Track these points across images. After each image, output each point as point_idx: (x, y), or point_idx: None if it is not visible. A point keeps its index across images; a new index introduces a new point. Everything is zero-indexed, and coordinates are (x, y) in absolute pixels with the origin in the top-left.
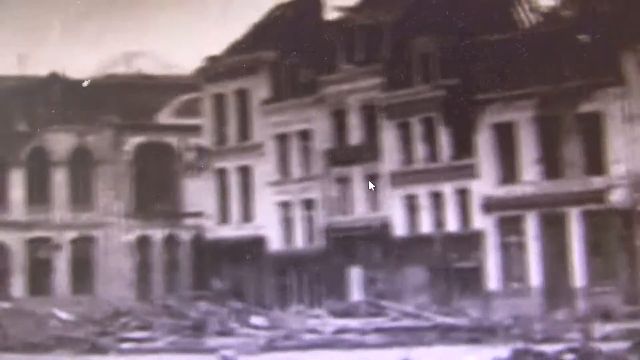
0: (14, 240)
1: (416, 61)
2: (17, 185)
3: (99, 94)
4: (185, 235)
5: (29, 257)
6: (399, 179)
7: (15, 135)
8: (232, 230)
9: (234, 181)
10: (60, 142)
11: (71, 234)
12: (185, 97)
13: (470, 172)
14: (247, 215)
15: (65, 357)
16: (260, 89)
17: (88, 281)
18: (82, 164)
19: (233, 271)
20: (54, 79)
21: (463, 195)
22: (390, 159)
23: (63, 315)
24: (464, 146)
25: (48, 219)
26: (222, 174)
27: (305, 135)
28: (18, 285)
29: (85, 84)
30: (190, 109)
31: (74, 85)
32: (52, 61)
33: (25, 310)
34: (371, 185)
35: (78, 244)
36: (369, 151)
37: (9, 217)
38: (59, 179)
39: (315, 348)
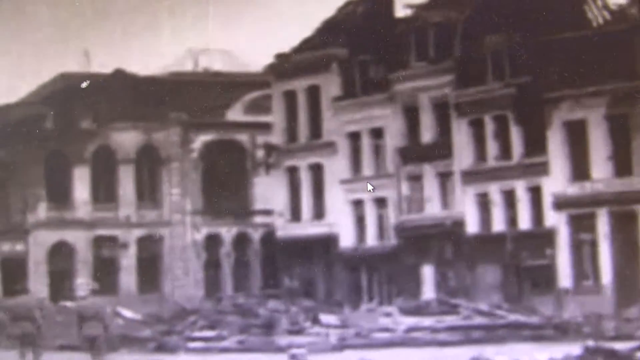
0: (79, 239)
1: (487, 59)
2: (82, 184)
3: (166, 92)
4: (255, 234)
5: (94, 256)
6: (471, 176)
7: (80, 133)
8: (303, 229)
9: (304, 179)
10: (126, 140)
11: (138, 232)
12: (255, 94)
13: (541, 169)
14: (318, 213)
15: (131, 357)
16: (331, 86)
17: (155, 280)
18: (148, 162)
19: (304, 269)
20: (120, 76)
21: (535, 193)
22: (462, 157)
23: (129, 314)
24: (535, 144)
25: (114, 217)
26: (292, 171)
27: (377, 133)
28: (82, 284)
29: (83, 85)
30: (260, 106)
31: (140, 82)
32: (117, 58)
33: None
34: (370, 187)
35: (145, 243)
36: (441, 149)
37: (73, 215)
38: (125, 177)
39: (387, 346)
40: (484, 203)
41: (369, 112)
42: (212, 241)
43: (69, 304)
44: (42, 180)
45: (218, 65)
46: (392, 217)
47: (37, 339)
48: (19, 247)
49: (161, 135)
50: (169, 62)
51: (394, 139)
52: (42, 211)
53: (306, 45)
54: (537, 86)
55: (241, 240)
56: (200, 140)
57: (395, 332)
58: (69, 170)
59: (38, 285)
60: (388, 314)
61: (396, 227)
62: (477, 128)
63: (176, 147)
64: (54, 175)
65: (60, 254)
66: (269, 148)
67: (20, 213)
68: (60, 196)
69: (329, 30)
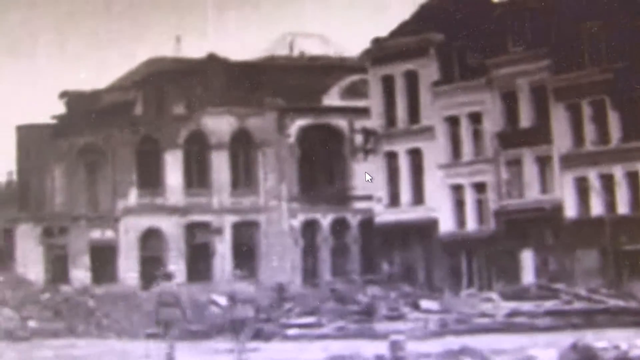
0: (171, 225)
1: (584, 43)
2: (174, 170)
3: (260, 76)
4: (353, 219)
5: (187, 243)
6: (569, 161)
7: (173, 119)
8: (402, 214)
9: (403, 164)
10: (220, 125)
11: (232, 218)
12: (351, 78)
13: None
14: (417, 198)
15: (226, 345)
16: (428, 71)
17: (250, 266)
18: (243, 147)
19: (403, 255)
20: (213, 60)
21: (633, 178)
22: (560, 142)
23: (223, 301)
24: (633, 128)
25: (207, 203)
26: (391, 156)
27: (475, 118)
28: (176, 271)
29: (82, 76)
30: (356, 91)
31: (233, 67)
32: (211, 42)
33: (183, 297)
34: (368, 177)
35: (239, 229)
36: (540, 133)
37: (166, 202)
38: (219, 163)
39: (487, 332)
40: (582, 187)
41: (467, 97)
42: (309, 227)
43: None
44: (133, 166)
45: (313, 49)
46: (491, 201)
47: (182, 325)
48: (109, 234)
49: (256, 120)
50: (264, 46)
51: (492, 123)
52: (133, 197)
53: (403, 30)
54: (634, 71)
55: (339, 226)
56: (297, 125)
57: (495, 317)
58: (161, 155)
59: (128, 272)
60: (488, 299)
61: (496, 211)
62: (575, 113)
63: (272, 132)
64: (145, 161)
65: (152, 241)
66: (367, 133)
67: (110, 199)
68: (152, 182)
69: (426, 15)
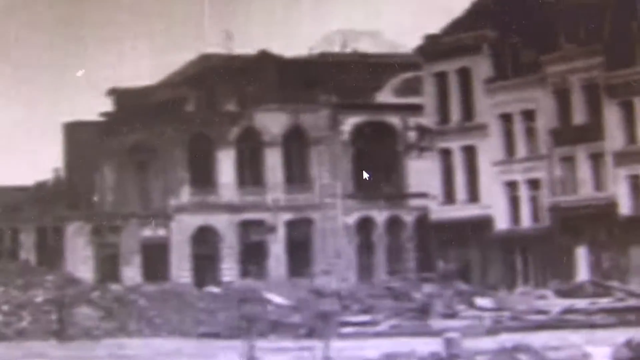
0: (224, 223)
1: (638, 40)
2: (226, 167)
3: (313, 73)
4: (408, 217)
5: (240, 241)
6: (622, 158)
7: (224, 115)
8: (457, 211)
9: (458, 161)
10: (273, 122)
11: (286, 216)
12: (405, 75)
13: None
14: (472, 195)
15: (281, 344)
16: (481, 68)
17: (305, 264)
18: (296, 144)
19: (458, 252)
20: (265, 57)
21: None
22: (613, 138)
23: (278, 299)
24: None
25: (261, 200)
26: (445, 154)
27: (528, 115)
28: (229, 270)
29: (79, 73)
30: (410, 88)
31: (285, 63)
32: (262, 39)
33: (236, 295)
34: (365, 175)
35: (294, 226)
36: (593, 131)
37: (218, 199)
38: (272, 160)
39: (542, 329)
40: (635, 184)
41: (521, 94)
42: (364, 225)
43: (214, 289)
44: (184, 163)
45: (366, 46)
46: (545, 198)
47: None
48: (161, 232)
49: (309, 117)
50: (316, 43)
51: (545, 120)
52: (185, 195)
53: (456, 26)
54: None
55: (394, 224)
56: (350, 122)
57: (549, 314)
58: (213, 153)
59: (181, 270)
60: (543, 296)
61: (550, 208)
62: (627, 110)
63: (325, 129)
64: (197, 158)
65: (204, 239)
66: (421, 130)
67: (161, 197)
68: (204, 180)
69: (479, 11)
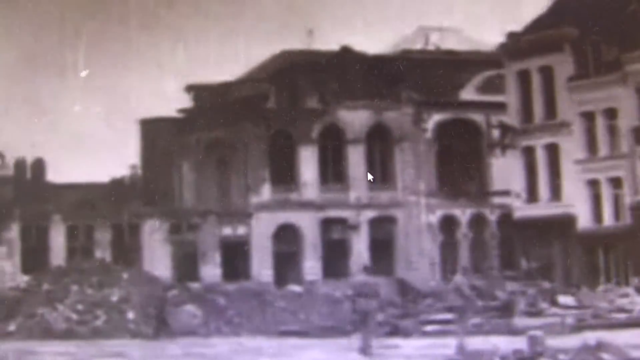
0: (307, 221)
1: None
2: (309, 164)
3: (395, 70)
4: (491, 215)
5: (322, 239)
6: None
7: (306, 112)
8: (540, 209)
9: (541, 159)
10: (356, 119)
11: (369, 214)
12: (488, 73)
13: None
14: (555, 194)
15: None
16: (563, 66)
17: (388, 262)
18: (379, 142)
19: (541, 250)
20: (347, 53)
21: None
22: None
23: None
24: None
25: (343, 198)
26: (528, 152)
27: (610, 114)
28: (311, 267)
29: (83, 74)
30: (493, 85)
31: (368, 60)
32: (343, 35)
33: (319, 293)
34: (370, 177)
35: (377, 224)
36: None
37: (301, 197)
38: (355, 157)
39: (624, 327)
40: None
41: (602, 93)
42: (447, 223)
43: (296, 288)
44: (265, 160)
45: (449, 43)
46: (627, 196)
47: (375, 316)
48: (241, 230)
49: (393, 115)
50: (398, 40)
51: (627, 119)
52: (266, 193)
53: (538, 24)
54: None
55: (477, 222)
56: (434, 119)
57: (632, 312)
58: (295, 150)
59: (262, 269)
60: (625, 294)
61: (631, 206)
62: None
63: (409, 126)
64: (278, 156)
65: (286, 237)
66: (505, 128)
67: (242, 195)
68: (285, 177)
69: (561, 9)
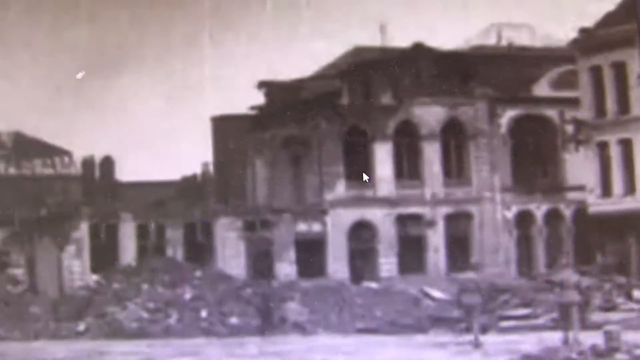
0: (382, 218)
1: None
2: (384, 161)
3: (469, 66)
4: (566, 210)
5: (398, 235)
6: None
7: (380, 108)
8: (614, 204)
9: (615, 154)
10: (430, 115)
11: (445, 210)
12: (561, 69)
13: None
14: (629, 189)
15: (439, 338)
16: (636, 61)
17: (464, 258)
18: (454, 138)
19: (616, 245)
20: (419, 50)
21: None
22: None
23: (437, 294)
24: None
25: (419, 194)
26: (602, 147)
27: None
28: (387, 264)
29: (79, 76)
30: (566, 81)
31: (441, 56)
32: (416, 31)
33: (395, 290)
34: (365, 177)
35: (452, 220)
36: None
37: (376, 193)
38: (430, 153)
39: None
40: None
41: None
42: (523, 218)
43: (372, 285)
44: (340, 157)
45: (520, 40)
46: None
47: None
48: (316, 227)
49: (467, 111)
50: (471, 35)
51: None
52: (341, 189)
53: (609, 19)
54: None
55: (552, 217)
56: (508, 115)
57: None
58: (369, 146)
59: (337, 266)
60: None
61: None
62: None
63: (483, 122)
64: (352, 152)
65: (361, 234)
66: (578, 124)
67: (316, 192)
68: (360, 173)
69: (632, 4)
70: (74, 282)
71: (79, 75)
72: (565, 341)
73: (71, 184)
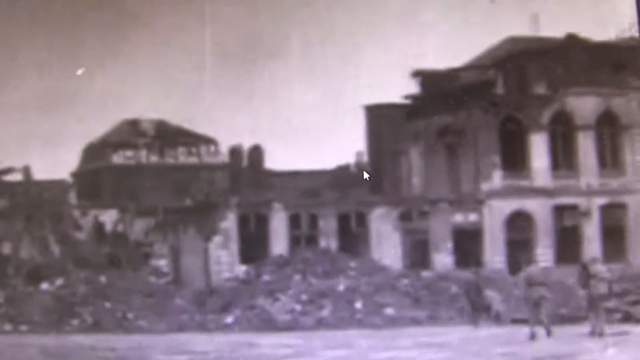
0: (539, 208)
1: None
2: (539, 151)
3: (622, 57)
4: None
5: (555, 226)
6: None
7: (535, 98)
8: None
9: None
10: (584, 106)
11: (600, 200)
12: None
13: None
14: None
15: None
16: None
17: (620, 249)
18: (608, 128)
19: None
20: (573, 40)
21: None
22: None
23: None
24: None
25: (574, 185)
26: None
27: None
28: (543, 254)
29: (79, 72)
30: None
31: (593, 47)
32: (566, 22)
33: (552, 280)
34: (366, 175)
35: (607, 211)
36: None
37: (532, 183)
38: (585, 144)
39: None
40: None
41: None
42: None
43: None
44: (496, 147)
45: None
46: None
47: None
48: (473, 217)
49: (620, 101)
50: (625, 27)
51: None
52: (497, 179)
53: None
54: None
55: None
56: None
57: None
58: (525, 136)
59: (495, 256)
60: None
61: None
62: None
63: (637, 113)
64: (508, 142)
65: (518, 224)
66: None
67: (472, 182)
68: (516, 163)
69: None
70: (221, 273)
71: (79, 72)
72: None
73: (217, 173)
